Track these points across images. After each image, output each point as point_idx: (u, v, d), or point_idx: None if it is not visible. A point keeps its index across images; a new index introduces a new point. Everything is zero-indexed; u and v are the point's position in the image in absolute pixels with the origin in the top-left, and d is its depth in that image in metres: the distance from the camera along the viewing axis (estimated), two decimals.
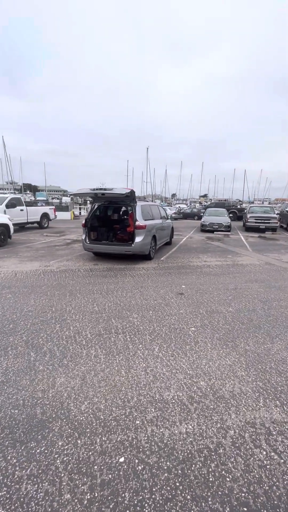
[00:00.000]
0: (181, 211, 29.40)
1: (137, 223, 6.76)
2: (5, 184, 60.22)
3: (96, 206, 7.55)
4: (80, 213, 26.93)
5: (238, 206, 27.10)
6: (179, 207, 36.64)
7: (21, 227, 13.85)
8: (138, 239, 6.75)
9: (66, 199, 34.19)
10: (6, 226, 9.25)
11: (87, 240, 7.19)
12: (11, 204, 12.28)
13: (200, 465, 1.66)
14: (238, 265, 7.16)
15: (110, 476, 1.58)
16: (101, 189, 6.38)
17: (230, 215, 20.06)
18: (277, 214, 17.15)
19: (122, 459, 1.68)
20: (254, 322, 3.72)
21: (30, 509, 1.39)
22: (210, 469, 1.63)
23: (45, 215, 15.03)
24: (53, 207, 16.82)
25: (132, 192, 6.44)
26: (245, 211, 19.02)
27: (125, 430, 1.90)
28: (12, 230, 9.47)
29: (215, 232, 14.32)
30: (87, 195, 7.23)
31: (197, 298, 4.63)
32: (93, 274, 6.00)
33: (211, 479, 1.57)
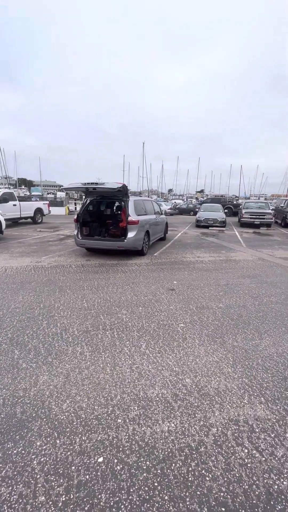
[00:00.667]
0: (177, 206, 29.30)
1: (129, 218, 6.68)
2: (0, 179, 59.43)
3: (88, 201, 7.44)
4: (75, 208, 26.68)
5: (234, 202, 27.10)
6: (175, 202, 36.51)
7: (14, 222, 13.67)
8: (130, 234, 6.67)
9: (61, 194, 33.85)
10: None
11: (79, 236, 7.10)
12: (3, 199, 12.09)
13: (180, 464, 1.63)
14: (231, 261, 7.14)
15: (87, 477, 1.54)
16: (93, 183, 6.27)
17: (226, 210, 20.04)
18: (272, 210, 17.16)
19: (101, 459, 1.64)
20: (243, 318, 3.70)
21: None
22: (190, 468, 1.60)
23: (38, 210, 14.84)
24: (47, 202, 16.62)
25: (124, 186, 6.35)
26: (240, 206, 19.01)
27: (106, 429, 1.86)
28: (4, 225, 9.32)
29: (210, 228, 14.29)
30: (78, 189, 7.11)
31: (188, 294, 4.59)
32: (84, 270, 5.93)
33: (190, 478, 1.54)
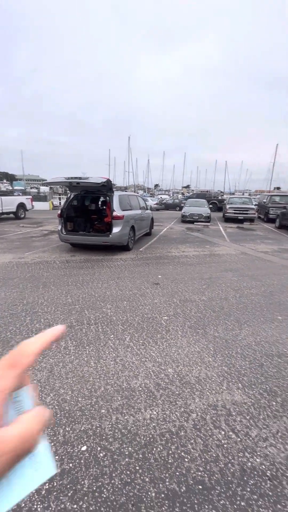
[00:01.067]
0: (163, 201, 29.40)
1: (114, 213, 6.67)
2: None
3: (72, 196, 7.34)
4: (59, 203, 26.14)
5: (219, 197, 27.56)
6: (161, 197, 36.61)
7: None
8: (115, 229, 6.67)
9: (44, 189, 33.05)
10: None
11: (63, 231, 7.00)
12: None
13: (161, 448, 1.70)
14: (214, 255, 7.31)
15: (70, 465, 1.59)
16: (76, 178, 6.19)
17: (211, 206, 20.32)
18: (255, 205, 17.60)
19: (84, 448, 1.69)
20: (225, 309, 3.83)
21: None
22: (170, 452, 1.68)
23: (21, 205, 14.44)
24: (30, 196, 16.19)
25: (108, 181, 6.31)
26: (225, 202, 19.36)
27: (90, 419, 1.91)
28: None
29: (195, 223, 14.48)
30: (61, 183, 6.99)
31: (172, 287, 4.69)
32: (69, 265, 5.89)
33: (170, 461, 1.62)
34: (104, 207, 8.21)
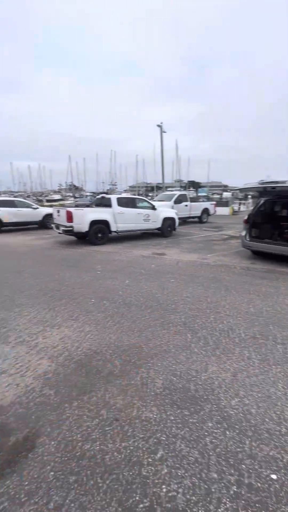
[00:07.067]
0: None
1: None
2: (173, 182, 68.60)
3: (262, 201, 6.97)
4: (239, 208, 25.87)
5: None
6: None
7: (183, 221, 15.32)
8: None
9: (226, 194, 33.95)
10: (172, 219, 10.58)
11: (247, 237, 6.84)
12: (179, 200, 13.83)
13: None
14: None
15: (259, 484, 1.52)
16: (272, 182, 5.79)
17: None
18: None
19: (274, 477, 1.56)
20: None
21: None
22: None
23: (205, 210, 15.74)
24: (214, 202, 17.26)
25: None
26: None
27: (279, 448, 1.73)
28: (177, 223, 10.71)
29: None
30: (255, 189, 6.81)
31: None
32: (250, 273, 5.69)
33: None
34: None
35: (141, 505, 1.41)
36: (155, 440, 1.79)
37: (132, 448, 1.74)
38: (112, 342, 2.98)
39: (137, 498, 1.45)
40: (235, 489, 1.49)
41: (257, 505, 1.42)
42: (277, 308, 3.91)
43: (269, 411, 2.03)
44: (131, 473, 1.58)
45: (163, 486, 1.51)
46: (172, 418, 1.97)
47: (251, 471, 1.59)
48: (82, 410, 2.04)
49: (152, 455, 1.69)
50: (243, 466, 1.62)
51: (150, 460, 1.66)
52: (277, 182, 5.74)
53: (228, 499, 1.44)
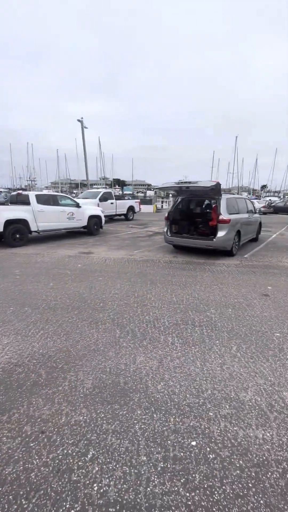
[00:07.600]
0: (272, 204, 26.30)
1: (220, 217, 6.51)
2: (98, 180, 67.72)
3: (179, 200, 7.64)
4: (162, 206, 27.69)
5: None
6: (270, 200, 32.82)
7: (110, 218, 15.37)
8: (220, 233, 6.50)
9: (150, 193, 35.71)
10: (98, 217, 10.47)
11: (169, 233, 7.39)
12: (104, 198, 13.77)
13: (277, 475, 1.56)
14: None
15: (182, 454, 1.68)
16: (186, 182, 6.40)
17: None
18: None
19: (194, 443, 1.76)
20: None
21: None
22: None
23: (131, 208, 16.18)
24: (139, 200, 17.91)
25: (218, 184, 6.21)
26: None
27: (198, 418, 1.96)
28: (103, 221, 10.65)
29: None
30: (171, 188, 7.39)
31: (285, 301, 4.16)
32: (172, 266, 6.17)
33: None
34: (209, 210, 8.13)
35: (72, 511, 1.38)
36: (85, 442, 1.77)
37: (60, 457, 1.67)
38: (36, 351, 2.77)
39: (67, 506, 1.40)
40: (162, 465, 1.62)
41: (181, 473, 1.58)
42: (195, 295, 4.38)
43: (190, 387, 2.27)
44: (60, 482, 1.52)
45: (94, 485, 1.50)
46: (103, 415, 1.98)
47: (175, 444, 1.76)
48: (1, 432, 1.83)
49: (82, 458, 1.66)
50: (169, 441, 1.77)
51: (80, 463, 1.63)
52: (190, 182, 6.36)
53: (156, 476, 1.55)
